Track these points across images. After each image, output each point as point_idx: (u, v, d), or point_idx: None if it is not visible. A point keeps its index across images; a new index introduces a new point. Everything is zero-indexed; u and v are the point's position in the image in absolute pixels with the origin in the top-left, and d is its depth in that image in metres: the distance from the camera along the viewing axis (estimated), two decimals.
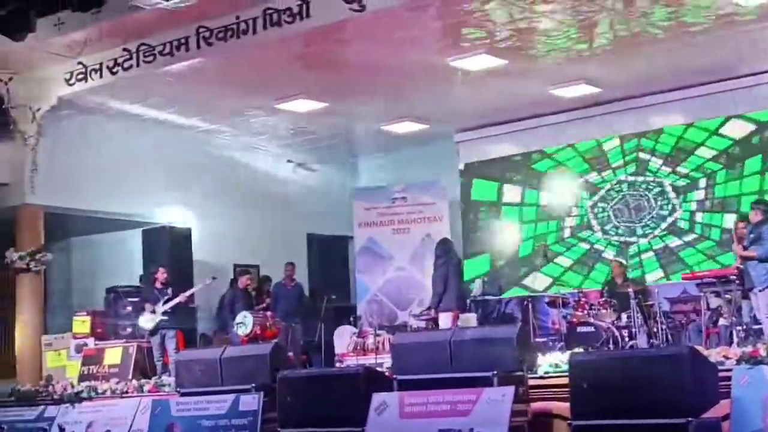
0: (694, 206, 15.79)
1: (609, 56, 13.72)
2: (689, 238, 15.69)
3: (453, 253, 13.79)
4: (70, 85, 14.20)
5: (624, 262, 14.60)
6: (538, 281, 16.34)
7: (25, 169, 14.62)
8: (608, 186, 16.48)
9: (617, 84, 15.04)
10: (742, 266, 11.14)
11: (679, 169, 15.91)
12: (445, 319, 12.94)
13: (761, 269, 10.74)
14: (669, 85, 15.25)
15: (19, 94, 14.48)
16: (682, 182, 15.89)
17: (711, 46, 13.41)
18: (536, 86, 15.00)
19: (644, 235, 16.03)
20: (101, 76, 13.86)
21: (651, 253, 15.92)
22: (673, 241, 15.81)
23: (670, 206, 15.94)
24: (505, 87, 14.98)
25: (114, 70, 13.70)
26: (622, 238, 16.13)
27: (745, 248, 11.05)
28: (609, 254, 15.96)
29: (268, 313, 14.50)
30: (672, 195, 15.93)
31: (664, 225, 15.94)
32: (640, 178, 16.20)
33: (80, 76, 14.05)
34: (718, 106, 15.25)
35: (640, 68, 14.33)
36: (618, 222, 16.31)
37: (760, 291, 10.77)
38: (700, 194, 15.74)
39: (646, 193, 16.12)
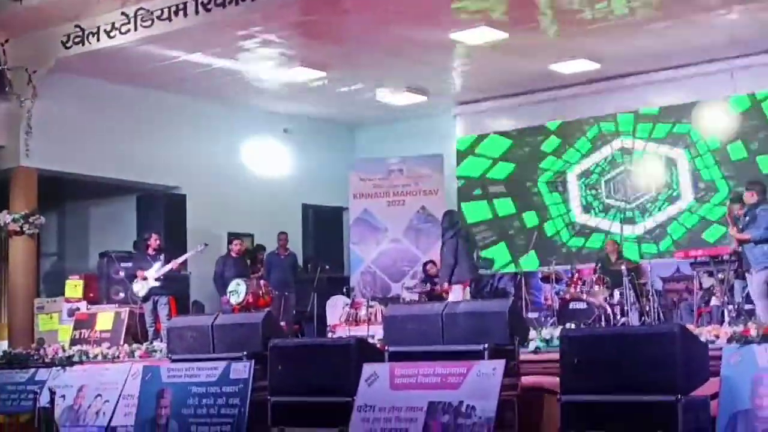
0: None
1: (610, 31, 13.67)
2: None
3: (460, 225, 13.67)
4: (67, 48, 14.14)
5: (618, 239, 14.59)
6: None
7: (20, 132, 14.57)
8: (590, 166, 16.43)
9: (618, 60, 14.98)
10: (739, 248, 11.13)
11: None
12: (457, 292, 12.84)
13: (757, 251, 10.74)
14: (670, 63, 15.20)
15: (15, 56, 14.40)
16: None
17: (710, 24, 13.38)
18: (536, 61, 14.94)
19: (659, 210, 15.73)
20: (98, 39, 13.81)
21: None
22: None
23: (671, 171, 15.65)
24: (505, 61, 14.92)
25: (111, 34, 13.64)
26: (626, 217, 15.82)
27: (740, 230, 11.04)
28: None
29: (262, 282, 14.49)
30: (671, 153, 15.65)
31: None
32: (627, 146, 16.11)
33: (77, 40, 13.98)
34: (718, 86, 15.21)
35: (642, 45, 14.28)
36: (617, 200, 16.23)
37: (756, 272, 10.77)
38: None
39: (639, 163, 16.05)
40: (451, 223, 13.20)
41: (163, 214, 15.96)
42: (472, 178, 17.59)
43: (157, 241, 14.12)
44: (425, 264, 15.70)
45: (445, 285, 13.17)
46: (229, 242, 15.52)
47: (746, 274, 11.01)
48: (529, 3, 12.61)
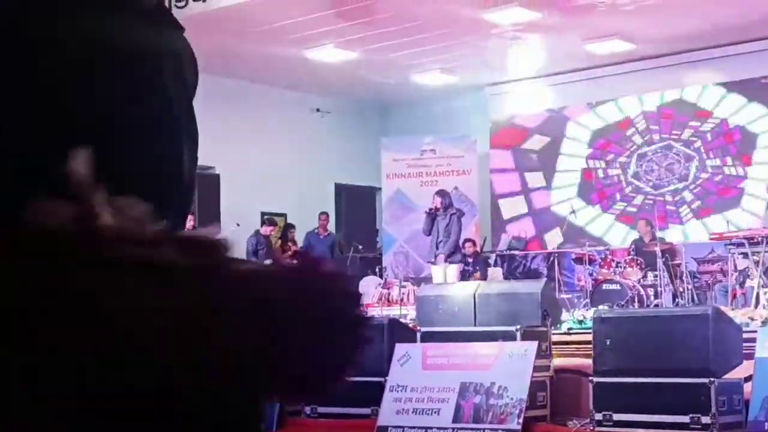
0: None
1: (645, 11, 13.56)
2: None
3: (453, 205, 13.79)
4: None
5: (652, 220, 14.50)
6: None
7: None
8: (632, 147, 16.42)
9: (653, 40, 14.85)
10: None
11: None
12: (451, 270, 12.98)
13: None
14: (704, 43, 15.07)
15: None
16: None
17: (748, 4, 13.25)
18: (570, 41, 14.84)
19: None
20: None
21: None
22: None
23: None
24: (538, 41, 14.84)
25: None
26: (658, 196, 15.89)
27: None
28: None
29: (294, 262, 14.52)
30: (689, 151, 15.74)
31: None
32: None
33: None
34: (755, 66, 15.08)
35: (676, 25, 14.16)
36: (650, 179, 16.21)
37: None
38: None
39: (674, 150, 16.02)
40: (450, 202, 13.39)
41: (197, 194, 15.98)
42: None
43: (191, 222, 14.17)
44: (464, 242, 15.64)
45: (441, 257, 13.20)
46: (263, 222, 15.43)
47: None
48: None
